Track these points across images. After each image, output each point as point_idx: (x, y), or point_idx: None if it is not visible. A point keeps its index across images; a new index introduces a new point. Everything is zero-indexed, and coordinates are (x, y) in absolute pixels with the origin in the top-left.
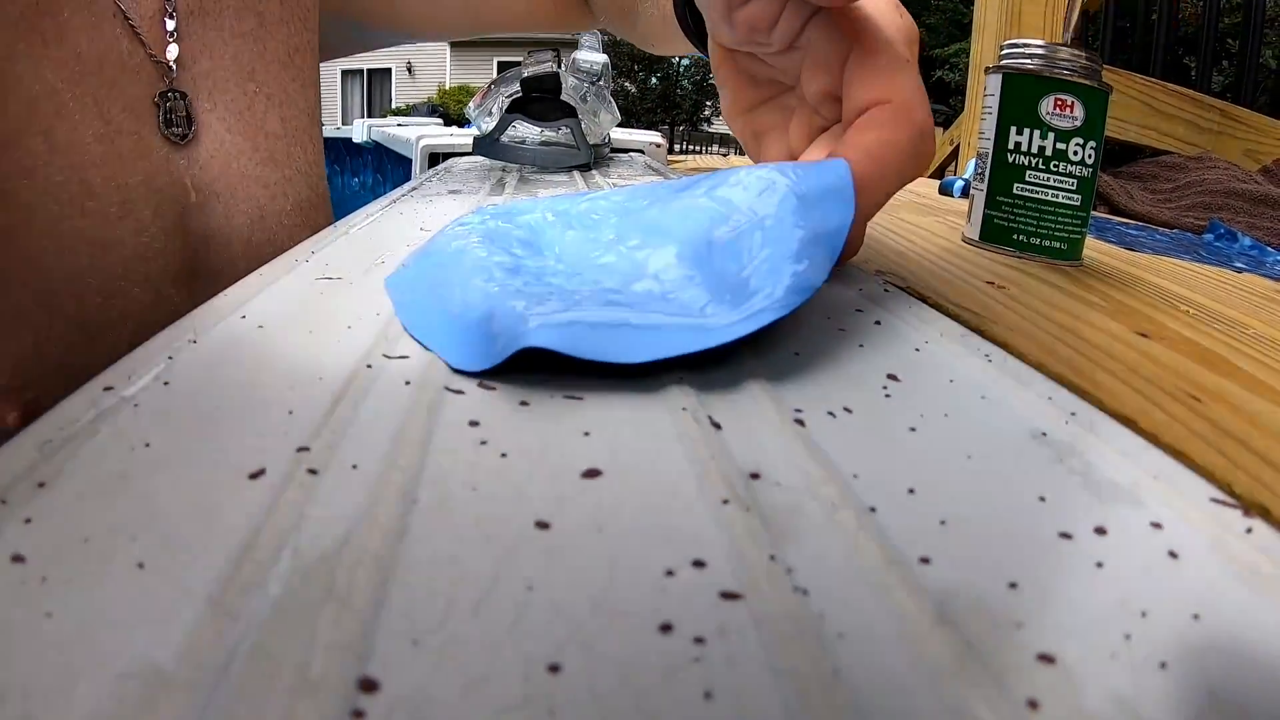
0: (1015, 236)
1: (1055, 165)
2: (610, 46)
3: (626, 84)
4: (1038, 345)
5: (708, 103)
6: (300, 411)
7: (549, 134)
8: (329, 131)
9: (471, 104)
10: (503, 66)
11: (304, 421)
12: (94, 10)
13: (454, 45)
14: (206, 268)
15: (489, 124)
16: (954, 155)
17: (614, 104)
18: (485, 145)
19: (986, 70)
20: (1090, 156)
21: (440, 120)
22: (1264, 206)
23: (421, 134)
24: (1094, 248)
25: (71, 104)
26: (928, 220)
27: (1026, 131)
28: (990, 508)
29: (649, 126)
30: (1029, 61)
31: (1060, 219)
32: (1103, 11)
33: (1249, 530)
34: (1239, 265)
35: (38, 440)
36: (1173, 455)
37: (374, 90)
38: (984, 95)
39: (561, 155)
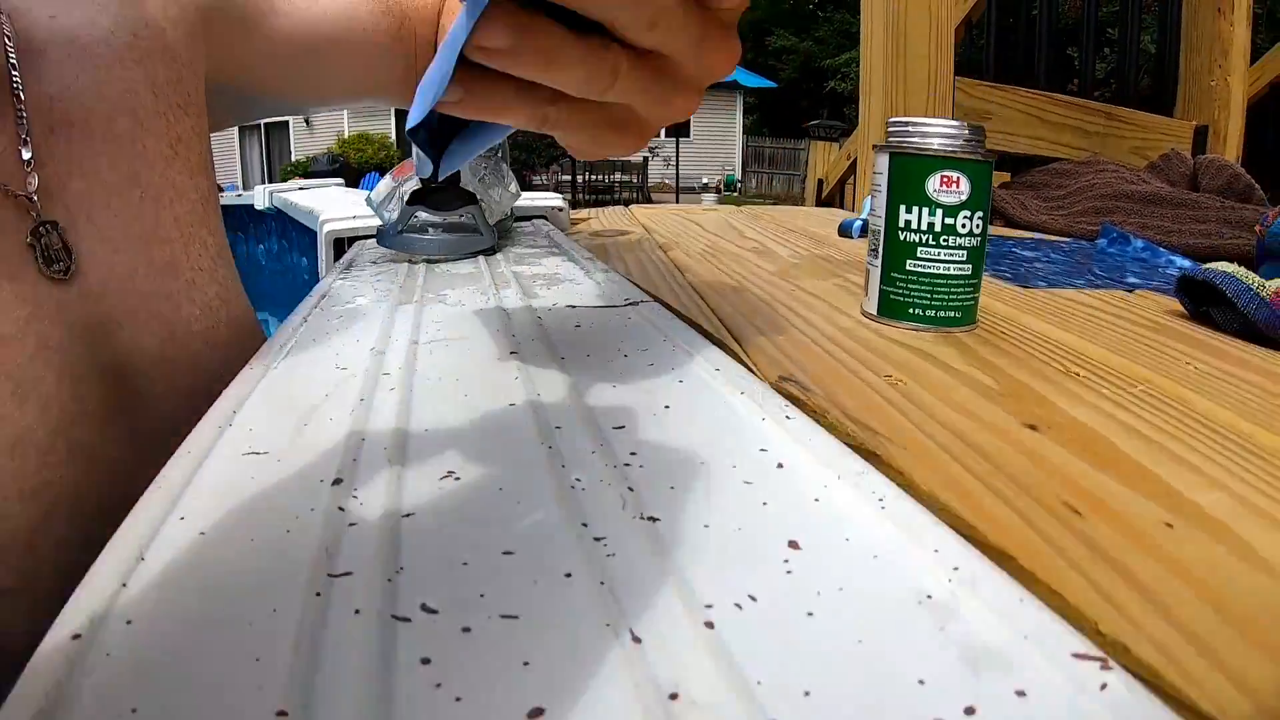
0: (911, 310)
1: (945, 239)
2: None
3: None
4: (930, 468)
5: None
6: (266, 659)
7: (452, 219)
8: (229, 199)
9: (372, 194)
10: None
11: (272, 675)
12: None
13: None
14: (129, 401)
15: (391, 214)
16: (852, 169)
17: (514, 177)
18: (389, 238)
19: (875, 148)
20: (978, 226)
21: (341, 179)
22: (1153, 205)
23: (326, 217)
24: (990, 293)
25: None
26: (827, 285)
27: (915, 209)
28: (874, 700)
29: (550, 161)
30: (914, 141)
31: (953, 290)
32: (985, 17)
33: (1103, 686)
34: (1131, 281)
35: (29, 710)
36: (1047, 599)
37: (272, 145)
38: (873, 172)
39: (464, 242)
